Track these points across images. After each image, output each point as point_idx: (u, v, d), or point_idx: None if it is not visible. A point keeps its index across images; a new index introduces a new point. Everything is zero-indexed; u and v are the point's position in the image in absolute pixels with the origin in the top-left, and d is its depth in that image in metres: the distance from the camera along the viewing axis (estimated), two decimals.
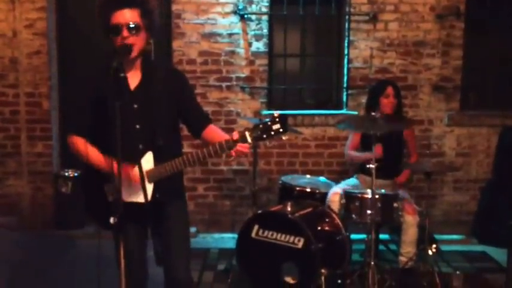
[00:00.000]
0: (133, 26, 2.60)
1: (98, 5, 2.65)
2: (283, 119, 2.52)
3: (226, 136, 2.60)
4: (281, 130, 2.51)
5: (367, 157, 4.27)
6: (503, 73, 5.68)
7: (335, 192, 4.33)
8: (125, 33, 2.59)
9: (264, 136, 2.52)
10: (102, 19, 2.63)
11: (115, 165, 2.39)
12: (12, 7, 5.29)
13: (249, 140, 2.53)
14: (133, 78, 2.71)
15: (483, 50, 5.60)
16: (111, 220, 2.41)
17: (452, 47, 5.44)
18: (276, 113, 2.54)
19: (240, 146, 2.55)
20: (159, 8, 2.74)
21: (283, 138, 2.57)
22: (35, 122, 5.44)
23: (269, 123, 2.51)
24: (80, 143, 2.73)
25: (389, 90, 4.50)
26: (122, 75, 2.43)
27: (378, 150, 4.12)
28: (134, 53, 2.62)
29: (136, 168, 2.61)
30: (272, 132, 2.51)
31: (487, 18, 5.56)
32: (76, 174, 5.21)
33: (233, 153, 2.58)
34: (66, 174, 5.29)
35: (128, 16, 2.60)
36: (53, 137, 5.49)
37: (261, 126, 2.52)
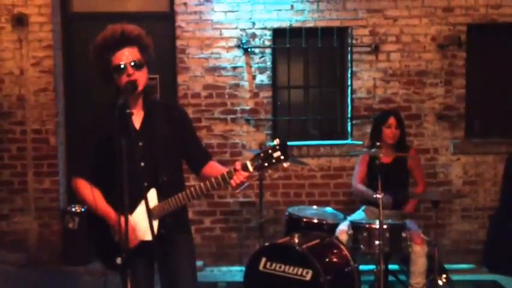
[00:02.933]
0: (135, 63, 2.66)
1: (96, 49, 2.70)
2: (283, 146, 2.51)
3: (227, 169, 2.61)
4: (282, 157, 2.51)
5: (375, 197, 4.19)
6: (506, 100, 5.69)
7: (342, 231, 4.28)
8: (130, 70, 2.64)
9: (266, 164, 2.53)
10: (102, 61, 2.68)
11: (122, 218, 2.40)
12: (19, 46, 5.39)
13: (251, 169, 2.54)
14: (137, 116, 2.74)
15: (486, 78, 5.63)
16: (118, 261, 2.40)
17: (454, 76, 5.48)
18: (276, 140, 2.54)
19: (238, 174, 2.54)
20: (152, 43, 2.79)
21: (285, 165, 2.56)
22: (41, 158, 5.47)
23: (270, 151, 2.51)
24: (85, 189, 2.75)
25: (391, 120, 4.52)
26: (128, 111, 2.46)
27: (389, 200, 4.25)
28: (140, 88, 2.67)
29: (133, 217, 2.62)
30: (273, 160, 2.51)
31: (488, 47, 5.60)
32: (83, 209, 5.20)
33: (233, 184, 2.57)
34: (73, 209, 5.28)
35: (129, 54, 2.66)
36: (59, 173, 5.52)
37: (262, 154, 2.53)
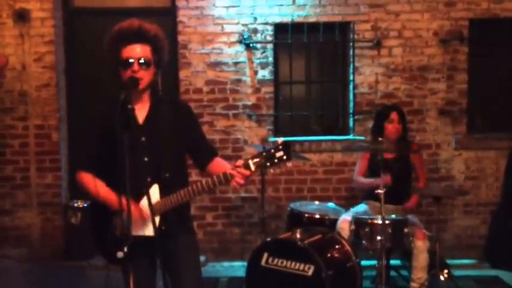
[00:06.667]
0: (144, 61, 2.65)
1: (110, 38, 2.70)
2: (286, 146, 2.51)
3: (230, 168, 2.60)
4: (285, 157, 2.50)
5: (375, 183, 4.27)
6: (508, 95, 5.68)
7: (345, 220, 4.31)
8: (135, 67, 2.63)
9: (268, 164, 2.52)
10: (113, 52, 2.67)
11: (124, 201, 2.39)
12: (21, 41, 5.39)
13: (253, 168, 2.53)
14: (141, 111, 2.74)
15: (487, 73, 5.62)
16: (119, 254, 2.40)
17: (457, 71, 5.47)
18: (280, 140, 2.53)
19: (238, 177, 2.54)
20: (168, 46, 2.78)
21: (288, 165, 2.55)
22: (44, 153, 5.48)
23: (272, 150, 2.51)
24: (89, 180, 2.76)
25: (394, 115, 4.53)
26: (130, 106, 2.46)
27: (386, 179, 4.15)
28: (141, 86, 2.65)
29: (140, 204, 2.63)
30: (276, 160, 2.50)
31: (490, 42, 5.58)
32: (85, 204, 5.21)
33: (234, 184, 2.57)
34: (75, 205, 5.30)
35: (140, 51, 2.65)
36: (61, 168, 5.52)
37: (264, 154, 2.52)
